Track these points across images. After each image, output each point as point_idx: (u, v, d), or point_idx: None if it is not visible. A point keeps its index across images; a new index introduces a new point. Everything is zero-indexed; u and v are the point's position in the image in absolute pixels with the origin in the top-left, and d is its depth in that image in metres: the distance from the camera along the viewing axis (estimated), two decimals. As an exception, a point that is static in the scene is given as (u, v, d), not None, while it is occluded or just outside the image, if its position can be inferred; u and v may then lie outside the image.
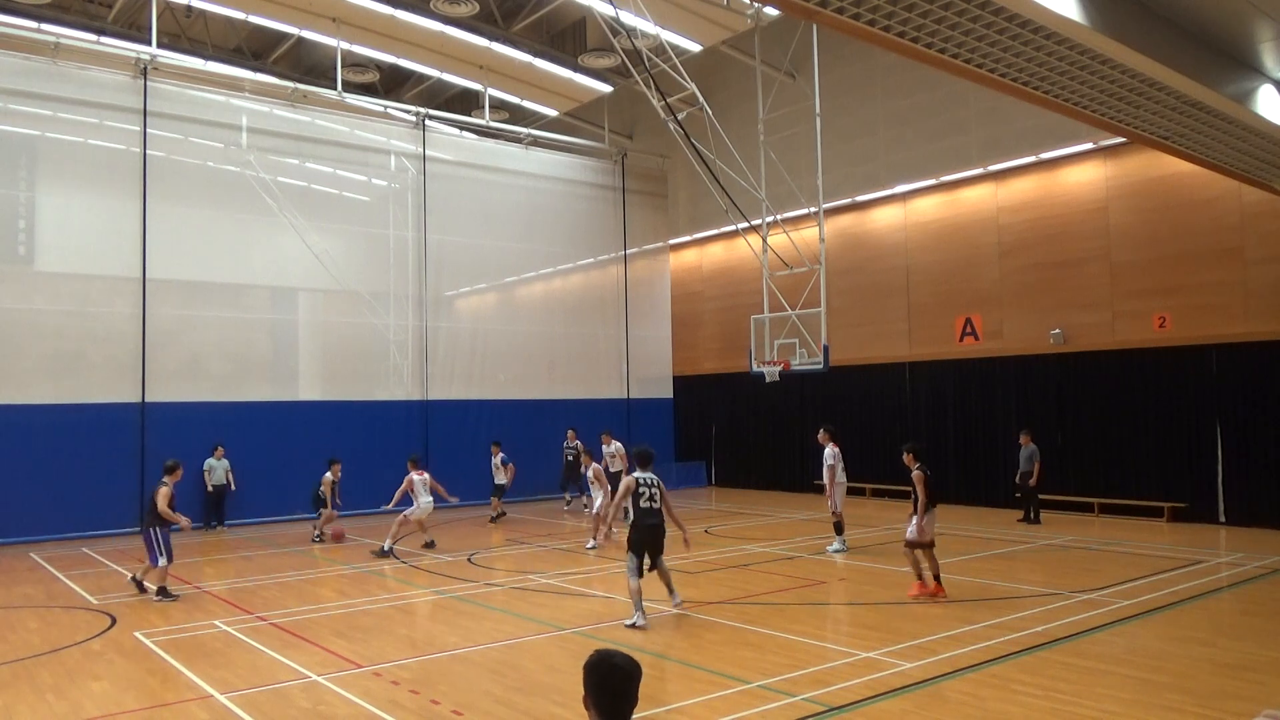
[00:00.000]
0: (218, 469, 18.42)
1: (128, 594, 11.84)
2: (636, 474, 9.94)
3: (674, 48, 18.40)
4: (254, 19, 21.80)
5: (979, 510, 19.26)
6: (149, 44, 18.71)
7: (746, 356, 18.62)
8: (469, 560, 14.35)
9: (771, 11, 18.15)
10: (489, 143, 24.99)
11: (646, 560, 9.79)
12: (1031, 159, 19.55)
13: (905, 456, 11.15)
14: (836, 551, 14.24)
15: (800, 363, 17.20)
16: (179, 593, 11.74)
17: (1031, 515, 17.30)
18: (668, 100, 16.96)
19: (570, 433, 20.78)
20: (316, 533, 16.66)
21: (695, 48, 21.28)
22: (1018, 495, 17.77)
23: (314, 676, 8.02)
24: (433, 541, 15.46)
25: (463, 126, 24.12)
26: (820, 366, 17.01)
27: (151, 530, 11.42)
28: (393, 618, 10.58)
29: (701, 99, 17.40)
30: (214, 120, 19.95)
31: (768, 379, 17.73)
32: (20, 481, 16.92)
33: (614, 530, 15.29)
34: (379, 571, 13.55)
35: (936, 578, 10.85)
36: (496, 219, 23.62)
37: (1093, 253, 18.75)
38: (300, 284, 21.19)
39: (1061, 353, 19.06)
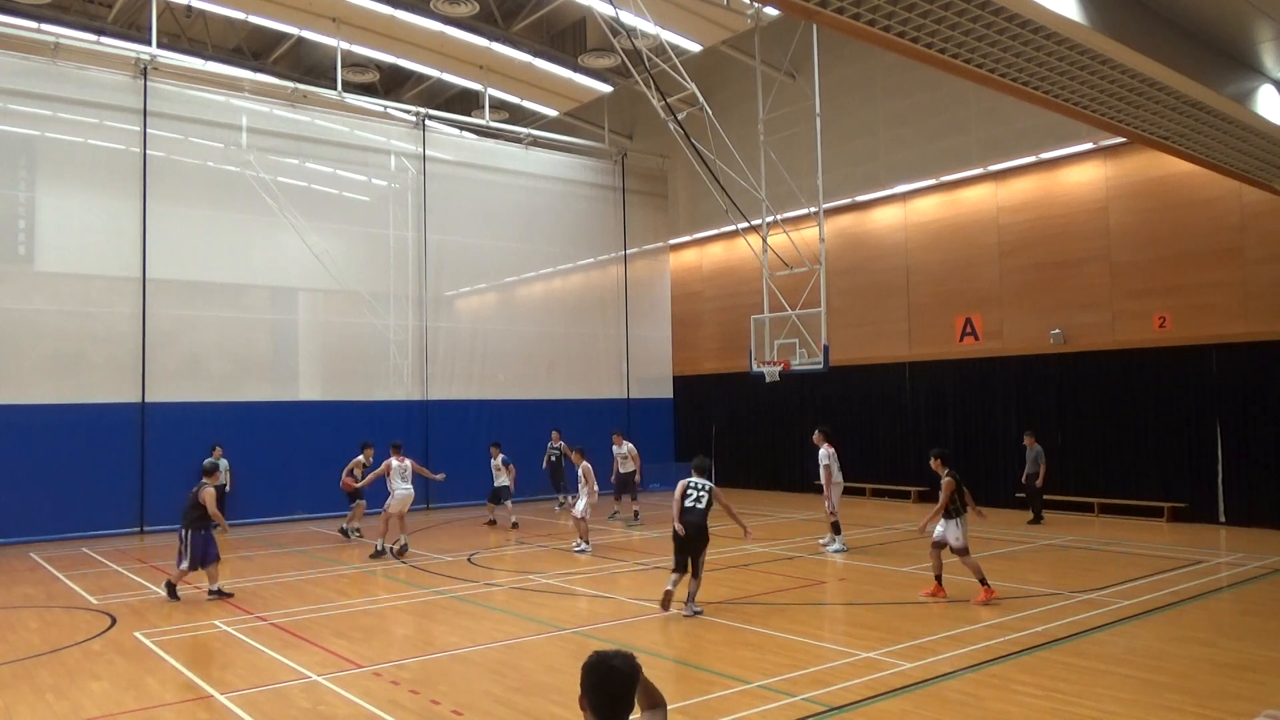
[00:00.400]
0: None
1: (128, 594, 11.85)
2: (690, 479, 10.51)
3: (674, 48, 18.39)
4: (254, 19, 21.80)
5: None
6: (149, 44, 18.72)
7: (746, 356, 18.61)
8: (469, 560, 14.36)
9: (771, 11, 18.15)
10: (489, 143, 24.98)
11: (688, 561, 10.21)
12: (1031, 159, 19.55)
13: (933, 462, 11.10)
14: (836, 551, 14.27)
15: (800, 363, 17.19)
16: (182, 595, 11.73)
17: (1036, 516, 17.31)
18: (668, 100, 16.95)
19: (555, 434, 20.74)
20: (354, 527, 16.47)
21: (695, 48, 21.28)
22: (1020, 496, 17.76)
23: (314, 676, 8.02)
24: (406, 545, 14.86)
25: (463, 126, 24.11)
26: (820, 366, 17.00)
27: (189, 531, 11.43)
28: (393, 618, 10.60)
29: (701, 99, 17.38)
30: (214, 120, 19.94)
31: (768, 379, 17.71)
32: (20, 481, 16.91)
33: (638, 519, 15.17)
34: (386, 571, 13.56)
35: (938, 578, 10.87)
36: (496, 219, 23.61)
37: (1093, 253, 18.75)
38: (300, 284, 21.18)
39: (1061, 353, 19.06)
